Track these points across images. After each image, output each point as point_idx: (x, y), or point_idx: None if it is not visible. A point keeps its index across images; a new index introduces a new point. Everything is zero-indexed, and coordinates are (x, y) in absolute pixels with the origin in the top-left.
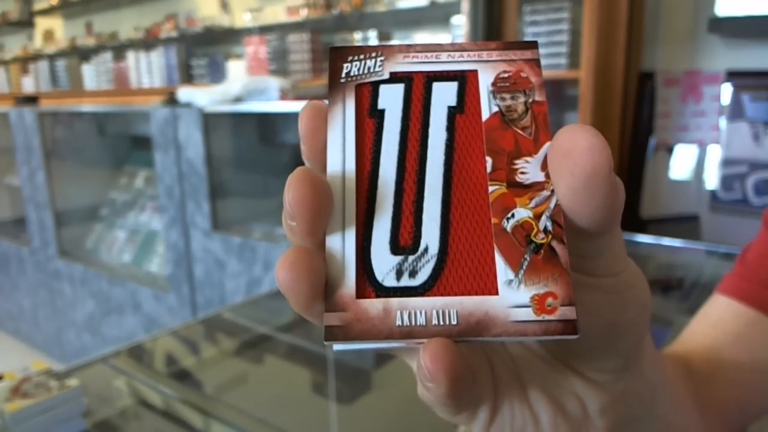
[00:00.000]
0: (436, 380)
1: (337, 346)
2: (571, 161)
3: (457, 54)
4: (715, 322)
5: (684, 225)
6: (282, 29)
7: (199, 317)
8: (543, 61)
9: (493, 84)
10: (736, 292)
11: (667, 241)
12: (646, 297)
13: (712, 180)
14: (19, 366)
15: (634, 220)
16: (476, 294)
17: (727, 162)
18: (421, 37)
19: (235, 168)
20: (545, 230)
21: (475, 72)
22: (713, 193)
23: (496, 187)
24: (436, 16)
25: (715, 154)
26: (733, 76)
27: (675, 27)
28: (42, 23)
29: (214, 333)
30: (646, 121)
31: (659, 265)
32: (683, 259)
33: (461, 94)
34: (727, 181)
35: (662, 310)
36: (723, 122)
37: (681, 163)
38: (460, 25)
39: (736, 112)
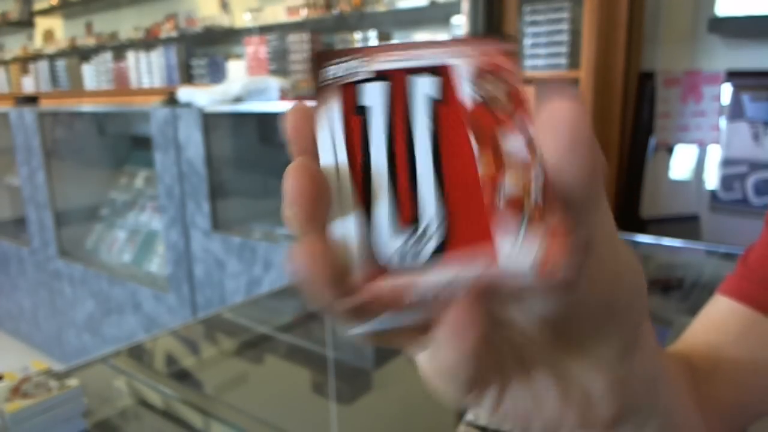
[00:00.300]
0: (461, 335)
1: (354, 330)
2: (554, 125)
3: (438, 50)
4: (716, 322)
5: (684, 225)
6: (282, 29)
7: (199, 317)
8: (543, 61)
9: (474, 75)
10: (737, 293)
11: (667, 241)
12: (639, 280)
13: (712, 180)
14: (19, 366)
15: (634, 220)
16: (480, 263)
17: (727, 162)
18: (421, 37)
19: (235, 168)
20: (536, 201)
21: (455, 65)
22: (713, 193)
23: (485, 166)
24: (436, 16)
25: (715, 154)
26: (733, 76)
27: (675, 27)
28: (42, 23)
29: (214, 333)
30: (646, 121)
31: (659, 265)
32: (683, 259)
33: (442, 86)
34: (727, 181)
35: (662, 310)
36: (723, 122)
37: (681, 163)
38: (460, 25)
39: (736, 112)
